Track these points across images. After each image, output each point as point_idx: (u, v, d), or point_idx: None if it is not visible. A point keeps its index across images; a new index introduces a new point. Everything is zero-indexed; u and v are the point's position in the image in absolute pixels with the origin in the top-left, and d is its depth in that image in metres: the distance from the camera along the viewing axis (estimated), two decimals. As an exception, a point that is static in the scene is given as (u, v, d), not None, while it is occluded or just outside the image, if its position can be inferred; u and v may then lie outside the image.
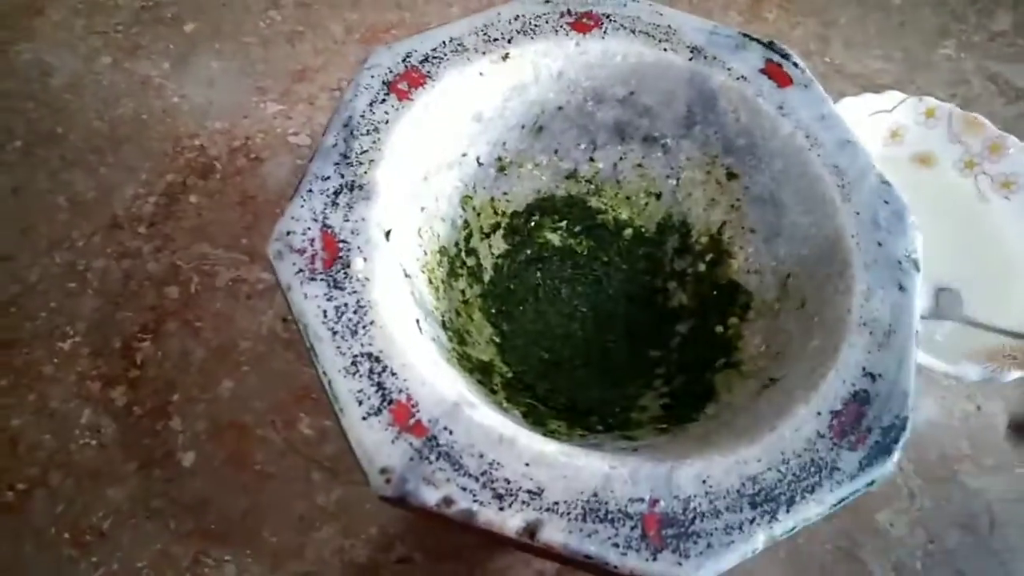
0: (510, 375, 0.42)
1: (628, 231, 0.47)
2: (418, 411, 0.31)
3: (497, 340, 0.44)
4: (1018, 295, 0.51)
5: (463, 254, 0.44)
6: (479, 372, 0.40)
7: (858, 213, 0.38)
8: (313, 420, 0.47)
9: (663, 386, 0.43)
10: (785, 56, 0.42)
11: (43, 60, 0.59)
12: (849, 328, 0.35)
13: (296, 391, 0.48)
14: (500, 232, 0.46)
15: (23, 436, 0.46)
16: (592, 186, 0.47)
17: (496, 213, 0.46)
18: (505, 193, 0.46)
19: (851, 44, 0.67)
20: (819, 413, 0.33)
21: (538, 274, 0.47)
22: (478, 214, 0.45)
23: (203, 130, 0.57)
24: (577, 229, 0.48)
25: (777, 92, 0.41)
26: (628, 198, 0.47)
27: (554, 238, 0.47)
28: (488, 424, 0.31)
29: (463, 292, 0.43)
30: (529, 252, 0.47)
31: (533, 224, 0.47)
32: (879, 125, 0.55)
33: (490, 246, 0.46)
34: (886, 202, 0.38)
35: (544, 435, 0.36)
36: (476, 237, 0.45)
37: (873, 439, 0.32)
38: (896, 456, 0.32)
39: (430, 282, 0.40)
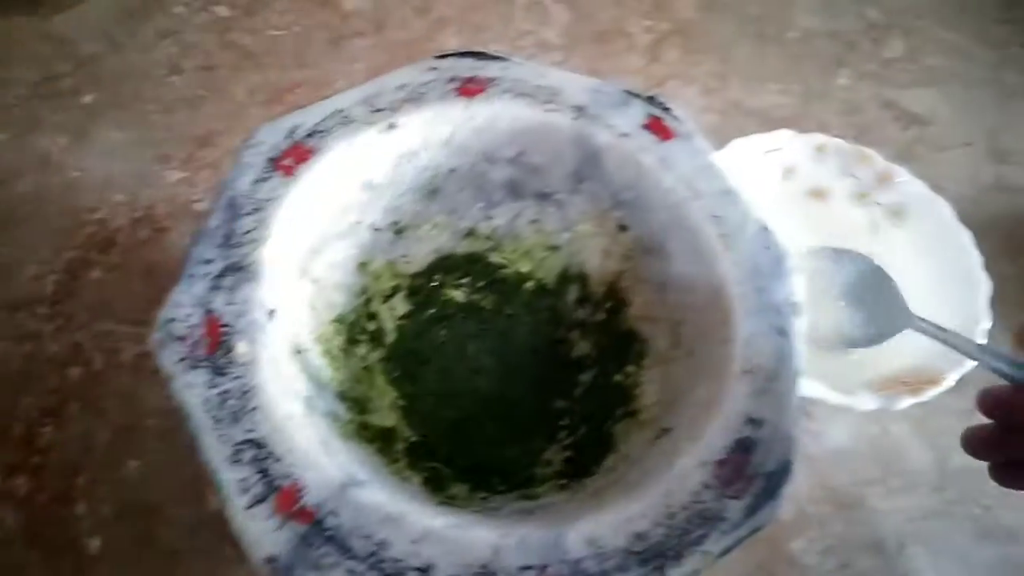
0: (414, 439, 0.42)
1: (530, 284, 0.48)
2: (303, 496, 0.31)
3: (401, 404, 0.44)
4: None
5: (363, 320, 0.44)
6: (379, 441, 0.40)
7: (739, 261, 0.39)
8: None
9: (567, 438, 0.43)
10: (666, 109, 0.43)
11: (-64, 138, 0.58)
12: (732, 376, 0.36)
13: (204, 466, 0.47)
14: (401, 294, 0.46)
15: (-80, 533, 0.45)
16: (491, 242, 0.47)
17: (396, 276, 0.46)
18: (404, 255, 0.46)
19: (749, 80, 0.69)
20: (704, 463, 0.33)
21: (443, 332, 0.47)
22: (377, 279, 0.45)
23: (104, 203, 0.56)
24: (480, 284, 0.48)
25: (659, 146, 0.42)
26: (527, 252, 0.47)
27: (458, 295, 0.48)
28: (375, 504, 0.31)
29: (364, 358, 0.43)
30: (433, 311, 0.47)
31: (435, 283, 0.47)
32: (772, 163, 0.57)
33: (391, 309, 0.46)
34: (767, 248, 0.39)
35: (442, 502, 0.37)
36: (376, 301, 0.45)
37: (758, 486, 0.33)
38: (781, 502, 0.33)
39: (326, 353, 0.41)
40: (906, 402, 0.47)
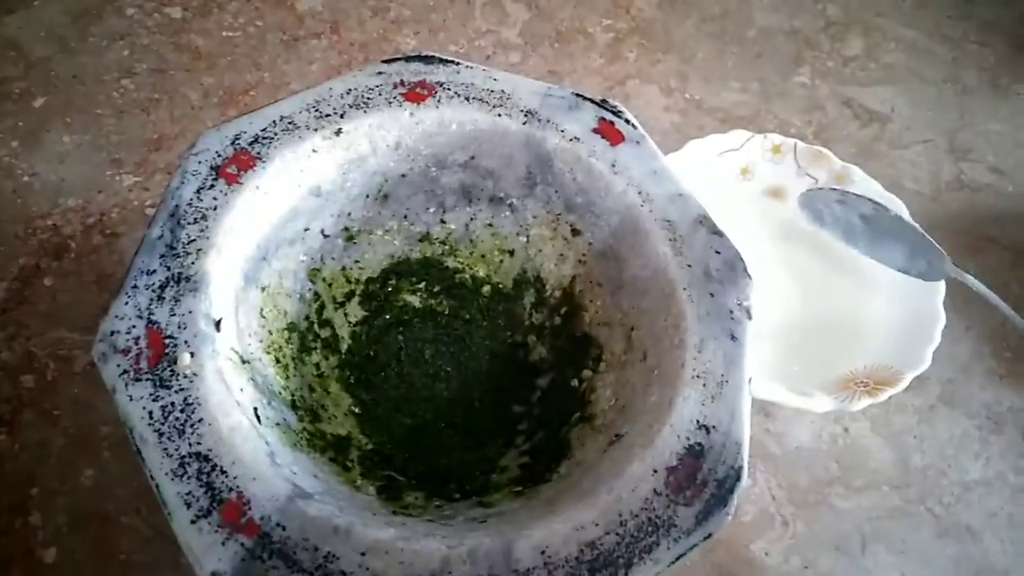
0: (369, 447, 0.42)
1: (487, 288, 0.48)
2: (250, 509, 0.31)
3: (357, 411, 0.43)
4: (871, 320, 0.54)
5: (315, 326, 0.44)
6: (333, 449, 0.40)
7: (690, 265, 0.39)
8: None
9: (524, 443, 0.43)
10: (617, 113, 0.43)
11: None
12: (683, 381, 0.36)
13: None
14: (356, 300, 0.46)
15: None
16: (447, 247, 0.47)
17: (349, 281, 0.46)
18: (357, 261, 0.46)
19: (710, 78, 0.69)
20: (655, 471, 0.33)
21: (400, 337, 0.47)
22: (329, 285, 0.45)
23: (56, 208, 0.55)
24: (436, 289, 0.48)
25: (610, 150, 0.42)
26: (483, 256, 0.47)
27: (414, 300, 0.48)
28: (323, 516, 0.31)
29: (317, 366, 0.43)
30: (389, 316, 0.47)
31: (391, 288, 0.47)
32: (729, 164, 0.57)
33: (346, 315, 0.46)
34: (717, 252, 0.39)
35: (397, 511, 0.37)
36: (329, 308, 0.45)
37: (708, 492, 0.33)
38: (732, 508, 0.33)
39: (277, 361, 0.40)
40: (863, 403, 0.47)
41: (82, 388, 0.49)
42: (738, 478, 0.34)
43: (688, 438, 0.34)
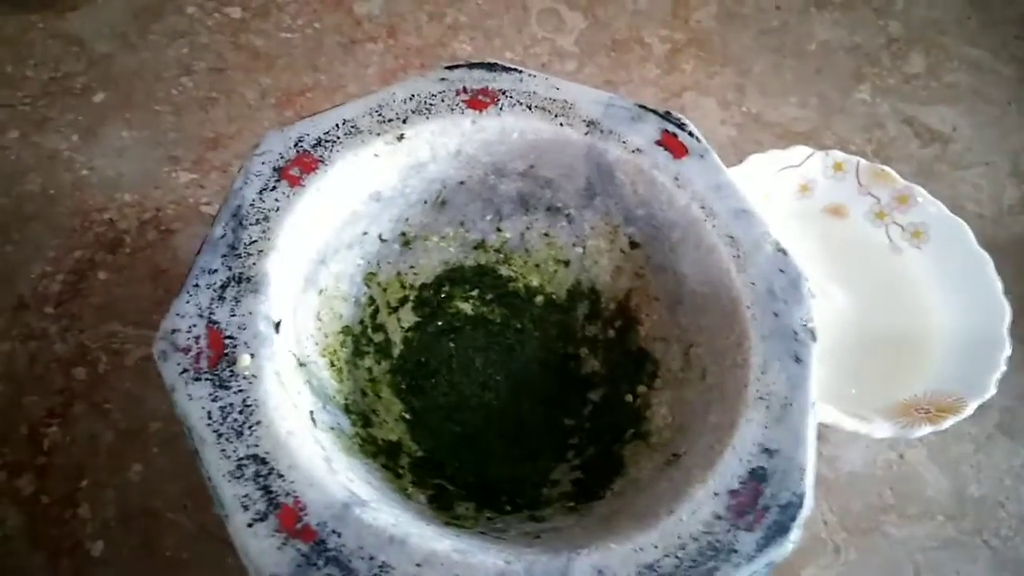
0: (419, 454, 0.41)
1: (540, 298, 0.47)
2: (306, 514, 0.30)
3: (407, 417, 0.43)
4: (932, 344, 0.52)
5: (369, 331, 0.44)
6: (384, 455, 0.39)
7: (754, 283, 0.38)
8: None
9: (575, 458, 0.42)
10: (681, 126, 0.42)
11: (-52, 136, 0.58)
12: (746, 402, 0.35)
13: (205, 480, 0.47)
14: (409, 305, 0.46)
15: (-76, 534, 0.45)
16: (501, 255, 0.47)
17: (404, 287, 0.45)
18: (412, 267, 0.46)
19: (768, 92, 0.68)
20: (716, 493, 0.33)
21: (451, 345, 0.47)
22: (384, 289, 0.45)
23: (112, 203, 0.56)
24: (489, 297, 0.47)
25: (673, 163, 0.41)
26: (537, 266, 0.47)
27: (466, 307, 0.47)
28: (378, 525, 0.31)
29: (370, 370, 0.43)
30: (440, 323, 0.47)
31: (444, 295, 0.47)
32: (789, 180, 0.56)
33: (399, 320, 0.45)
34: (782, 271, 0.38)
35: (448, 521, 0.36)
36: (383, 312, 0.44)
37: (771, 518, 0.32)
38: (795, 535, 0.32)
39: (332, 365, 0.40)
40: (924, 431, 0.46)
41: (133, 383, 0.49)
42: (801, 505, 0.33)
43: (750, 461, 0.33)
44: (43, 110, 0.60)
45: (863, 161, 0.56)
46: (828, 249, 0.56)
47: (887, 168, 0.56)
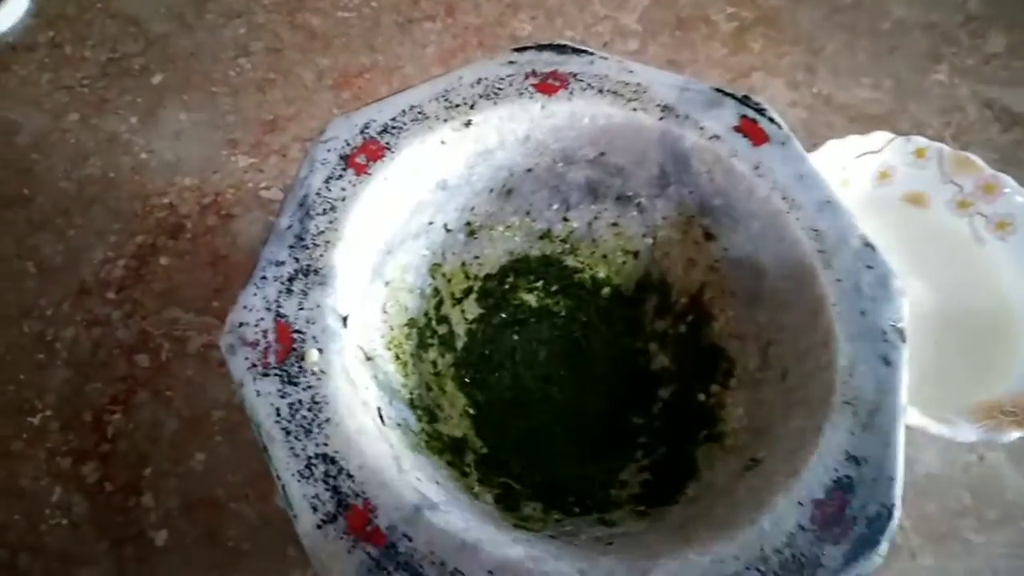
0: (484, 451, 0.40)
1: (606, 290, 0.46)
2: (376, 517, 0.30)
3: (472, 411, 0.42)
4: (1016, 342, 0.50)
5: (433, 323, 0.42)
6: (450, 452, 0.38)
7: (840, 280, 0.36)
8: (285, 491, 0.46)
9: (644, 458, 0.41)
10: (761, 111, 0.40)
11: (8, 118, 0.58)
12: (832, 407, 0.33)
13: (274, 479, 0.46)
14: (473, 296, 0.45)
15: (-9, 518, 0.45)
16: (567, 245, 0.45)
17: (468, 278, 0.44)
18: (477, 257, 0.44)
19: (839, 73, 0.65)
20: (800, 503, 0.31)
21: (515, 337, 0.45)
22: (448, 280, 0.43)
23: (172, 187, 0.56)
24: (554, 289, 0.46)
25: (752, 151, 0.39)
26: (605, 256, 0.45)
27: (530, 299, 0.46)
28: (450, 529, 0.30)
29: (434, 363, 0.42)
30: (504, 315, 0.45)
31: (508, 286, 0.45)
32: (867, 166, 0.53)
33: (463, 311, 0.44)
34: (869, 267, 0.36)
35: (516, 523, 0.35)
36: (448, 304, 0.43)
37: (858, 531, 0.31)
38: (883, 549, 0.31)
39: (397, 358, 0.39)
40: (1013, 435, 0.44)
41: (195, 370, 0.49)
42: (890, 517, 0.31)
43: (836, 470, 0.32)
44: (101, 91, 0.60)
45: (947, 148, 0.53)
46: (906, 239, 0.53)
47: (973, 156, 0.53)
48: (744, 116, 0.40)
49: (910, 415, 0.43)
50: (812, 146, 0.52)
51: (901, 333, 0.35)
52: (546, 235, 0.45)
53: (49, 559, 0.44)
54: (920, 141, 0.53)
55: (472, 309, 0.45)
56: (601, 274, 0.46)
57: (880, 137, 0.53)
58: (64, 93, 0.59)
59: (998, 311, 0.51)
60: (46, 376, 0.49)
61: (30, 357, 0.50)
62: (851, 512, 0.31)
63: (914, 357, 0.49)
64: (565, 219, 0.45)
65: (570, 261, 0.46)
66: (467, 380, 0.43)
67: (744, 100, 0.41)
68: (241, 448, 0.47)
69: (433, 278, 0.42)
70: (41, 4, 0.64)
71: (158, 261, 0.53)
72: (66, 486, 0.46)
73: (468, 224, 0.43)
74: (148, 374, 0.49)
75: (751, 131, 0.40)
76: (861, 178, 0.53)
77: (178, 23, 0.63)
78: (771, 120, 0.40)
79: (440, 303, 0.43)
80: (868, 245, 0.37)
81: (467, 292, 0.44)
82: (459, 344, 0.44)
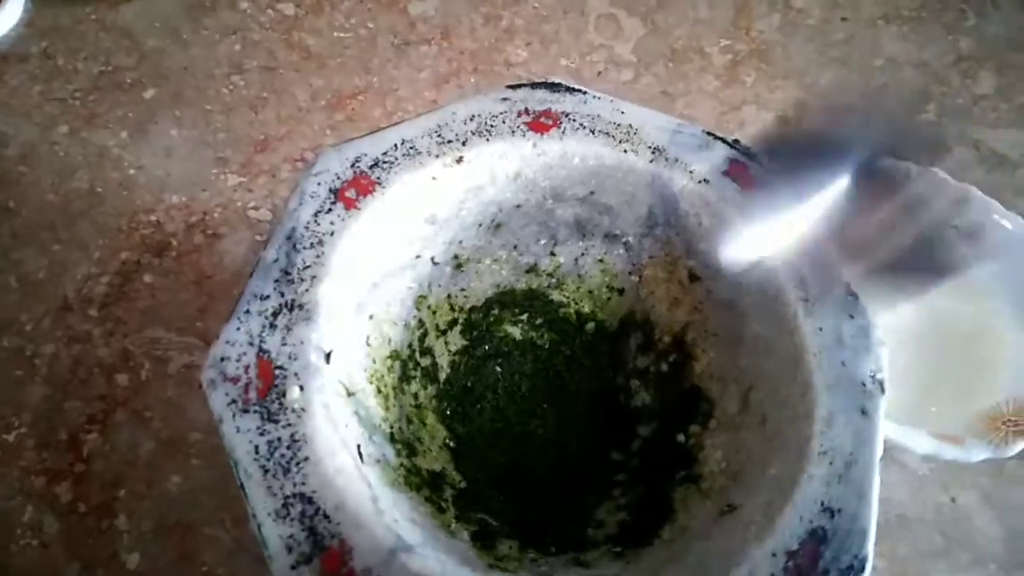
0: (463, 485, 0.40)
1: (591, 325, 0.46)
2: (351, 559, 0.29)
3: (451, 444, 0.42)
4: (1003, 348, 0.51)
5: (417, 355, 0.42)
6: (428, 487, 0.38)
7: (821, 329, 0.36)
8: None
9: (622, 496, 0.41)
10: (750, 156, 0.41)
11: (-2, 129, 0.58)
12: (808, 457, 0.33)
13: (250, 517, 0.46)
14: (457, 328, 0.45)
15: (-38, 536, 0.45)
16: (553, 279, 0.45)
17: (453, 309, 0.44)
18: (463, 289, 0.44)
19: (831, 109, 0.65)
20: (774, 554, 0.31)
21: (498, 369, 0.45)
22: (433, 312, 0.43)
23: (160, 204, 0.55)
24: (538, 322, 0.46)
25: (740, 195, 0.39)
26: (590, 292, 0.45)
27: (515, 331, 0.46)
28: (425, 573, 0.30)
29: (416, 396, 0.42)
30: (488, 347, 0.45)
31: (492, 318, 0.46)
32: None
33: (446, 343, 0.44)
34: (851, 316, 0.37)
35: (492, 563, 0.35)
36: (432, 335, 0.43)
37: (831, 583, 0.31)
38: (854, 601, 0.31)
39: (379, 391, 0.39)
40: (1018, 446, 0.44)
41: (175, 391, 0.49)
42: (863, 569, 0.31)
43: (811, 520, 0.32)
44: (93, 105, 0.59)
45: (914, 166, 0.54)
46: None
47: (938, 170, 0.54)
48: (733, 160, 0.40)
49: (919, 441, 0.44)
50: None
51: (880, 384, 0.35)
52: (532, 269, 0.45)
53: (20, 579, 0.44)
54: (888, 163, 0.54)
55: (456, 341, 0.45)
56: (586, 309, 0.46)
57: None
58: (55, 105, 0.59)
59: (979, 318, 0.52)
60: (23, 393, 0.49)
61: (8, 373, 0.49)
62: (824, 564, 0.31)
63: (912, 376, 0.50)
64: (552, 254, 0.45)
65: (555, 295, 0.46)
66: (448, 412, 0.43)
67: (734, 144, 0.41)
68: (218, 472, 0.47)
69: (418, 310, 0.42)
70: (34, 14, 0.63)
71: (142, 279, 0.53)
72: (38, 506, 0.46)
73: (456, 257, 0.43)
74: (127, 394, 0.49)
75: (740, 175, 0.40)
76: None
77: (172, 38, 0.63)
78: (760, 164, 0.41)
79: (424, 335, 0.43)
80: (851, 294, 0.37)
81: (452, 324, 0.44)
82: (442, 376, 0.44)
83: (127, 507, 0.46)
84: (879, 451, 0.34)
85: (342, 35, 0.65)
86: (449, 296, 0.44)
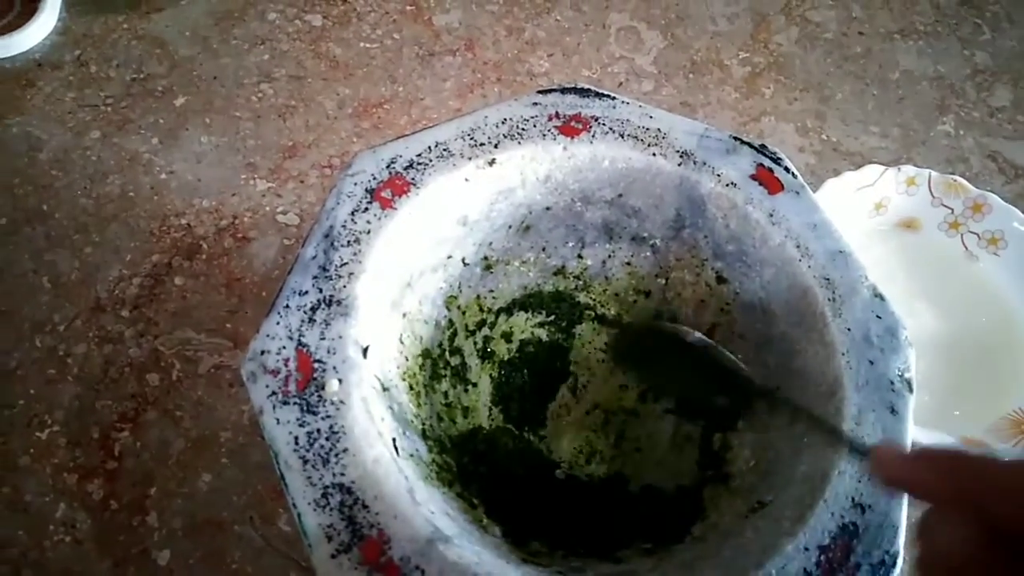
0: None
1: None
2: (390, 548, 0.30)
3: (482, 445, 0.43)
4: (1021, 347, 0.51)
5: (447, 354, 0.43)
6: (460, 483, 0.39)
7: (849, 329, 0.37)
8: (292, 516, 0.46)
9: (650, 495, 0.41)
10: (776, 160, 0.41)
11: (32, 134, 0.59)
12: (839, 454, 0.34)
13: (275, 485, 0.46)
14: (486, 329, 0.45)
15: (-4, 532, 0.45)
16: (580, 282, 0.46)
17: (482, 310, 0.45)
18: (491, 290, 0.45)
19: (849, 120, 0.66)
20: (806, 548, 0.32)
21: (524, 370, 0.46)
22: (463, 312, 0.44)
23: (190, 208, 0.56)
24: (565, 324, 0.47)
25: (768, 199, 0.40)
26: (617, 295, 0.46)
27: (541, 333, 0.47)
28: (462, 563, 0.30)
29: (446, 394, 0.42)
30: (516, 348, 0.46)
31: (520, 319, 0.46)
32: (864, 200, 0.55)
33: (475, 343, 0.45)
34: (879, 317, 0.37)
35: (526, 558, 0.36)
36: (461, 335, 0.44)
37: (862, 577, 0.31)
38: (886, 596, 0.31)
39: (411, 388, 0.40)
40: None
41: (205, 391, 0.50)
42: (894, 565, 0.32)
43: (842, 516, 0.32)
44: (125, 111, 0.61)
45: (934, 173, 0.56)
46: (905, 265, 0.56)
47: (959, 179, 0.56)
48: (760, 164, 0.41)
49: (946, 443, 0.45)
50: (816, 190, 0.53)
51: (908, 383, 0.36)
52: (560, 271, 0.46)
53: None
54: (910, 170, 0.56)
55: (484, 341, 0.45)
56: (612, 312, 0.46)
57: (873, 170, 0.55)
58: (88, 111, 0.60)
59: (999, 324, 0.53)
60: (56, 391, 0.49)
61: (41, 372, 0.50)
62: (855, 558, 0.31)
63: (933, 380, 0.50)
64: (580, 256, 0.46)
65: (582, 297, 0.47)
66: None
67: (761, 149, 0.42)
68: (248, 471, 0.47)
69: (448, 310, 0.43)
70: (69, 23, 0.65)
71: (173, 281, 0.54)
72: (71, 503, 0.46)
73: (485, 259, 0.44)
74: (158, 393, 0.50)
75: (767, 179, 0.41)
76: (858, 212, 0.56)
77: (203, 47, 0.65)
78: (786, 169, 0.41)
79: (454, 334, 0.44)
80: (878, 295, 0.38)
81: (480, 324, 0.45)
82: (471, 376, 0.44)
83: (158, 505, 0.46)
84: (907, 448, 0.34)
85: (368, 46, 0.66)
86: (478, 297, 0.45)
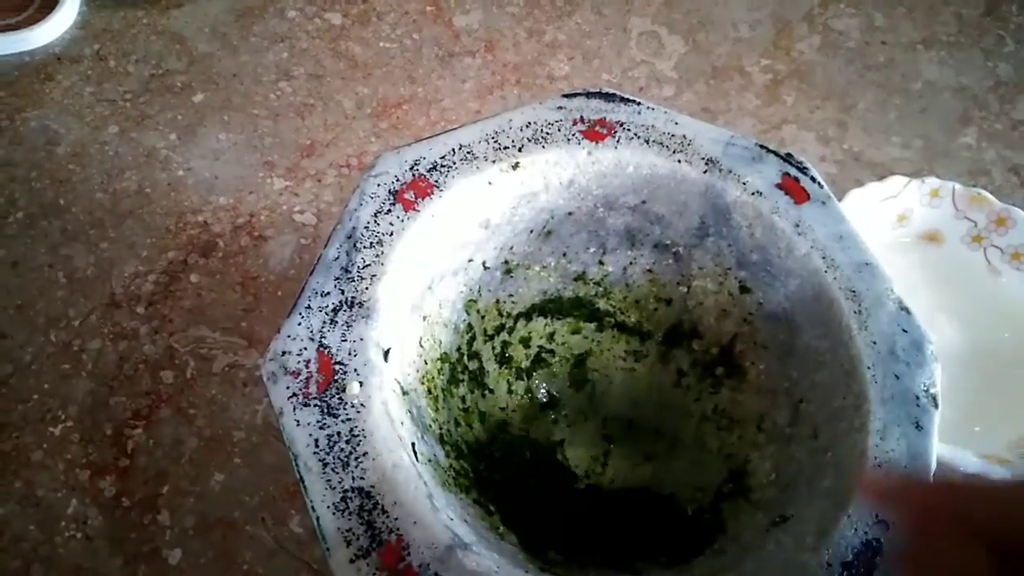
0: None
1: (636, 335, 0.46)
2: (408, 554, 0.30)
3: (498, 452, 0.42)
4: None
5: (465, 358, 0.43)
6: (476, 490, 0.38)
7: (875, 342, 0.36)
8: (304, 518, 0.46)
9: (668, 507, 0.41)
10: (803, 170, 0.41)
11: (50, 128, 0.59)
12: (863, 469, 0.33)
13: (288, 486, 0.46)
14: (504, 334, 0.45)
15: (7, 526, 0.45)
16: (601, 288, 0.46)
17: (501, 315, 0.45)
18: (511, 295, 0.45)
19: (870, 130, 0.66)
20: (829, 564, 0.31)
21: (542, 375, 0.46)
22: (482, 317, 0.44)
23: (207, 205, 0.56)
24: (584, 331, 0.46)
25: (794, 209, 0.39)
26: (637, 302, 0.46)
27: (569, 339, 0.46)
28: (481, 571, 0.30)
29: (463, 399, 0.42)
30: (533, 353, 0.46)
31: (538, 325, 0.46)
32: (887, 211, 0.55)
33: (493, 348, 0.44)
34: (905, 331, 0.37)
35: (543, 567, 0.35)
36: (480, 340, 0.44)
37: (887, 596, 0.31)
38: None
39: (429, 392, 0.39)
40: None
41: (219, 389, 0.49)
42: (919, 584, 0.31)
43: (866, 532, 0.32)
44: (143, 107, 0.61)
45: (958, 186, 0.55)
46: (928, 278, 0.55)
47: (983, 191, 0.55)
48: (786, 174, 0.41)
49: (966, 461, 0.44)
50: (839, 200, 0.52)
51: (934, 399, 0.35)
52: (580, 277, 0.45)
53: (62, 572, 0.44)
54: (934, 182, 0.55)
55: (502, 346, 0.45)
56: (632, 319, 0.46)
57: (897, 182, 0.55)
58: (106, 106, 0.60)
59: (1022, 339, 0.53)
60: (70, 387, 0.49)
61: (55, 367, 0.50)
62: (879, 575, 0.31)
63: (956, 395, 0.49)
64: (601, 263, 0.45)
65: (602, 304, 0.46)
66: (493, 419, 0.43)
67: (787, 158, 0.41)
68: (260, 471, 0.47)
69: (468, 314, 0.43)
70: (88, 17, 0.65)
71: (188, 278, 0.53)
72: (83, 499, 0.46)
73: (506, 263, 0.43)
74: (172, 391, 0.49)
75: (793, 189, 0.40)
76: (882, 223, 0.55)
77: (222, 43, 0.64)
78: (813, 179, 0.41)
79: (472, 339, 0.43)
80: (904, 309, 0.37)
81: (499, 329, 0.45)
82: (488, 381, 0.44)
83: (170, 503, 0.46)
84: (933, 465, 0.34)
85: (388, 45, 0.66)
86: (498, 301, 0.44)
